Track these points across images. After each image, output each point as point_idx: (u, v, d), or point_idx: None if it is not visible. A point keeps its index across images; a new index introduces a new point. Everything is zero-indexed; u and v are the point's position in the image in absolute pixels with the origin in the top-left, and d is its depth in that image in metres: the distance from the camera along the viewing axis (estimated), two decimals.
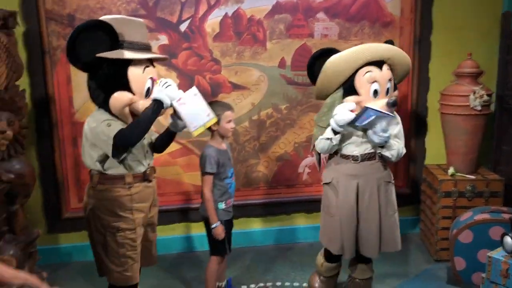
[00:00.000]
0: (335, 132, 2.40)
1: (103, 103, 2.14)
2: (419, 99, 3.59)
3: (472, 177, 3.24)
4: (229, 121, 2.60)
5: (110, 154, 2.07)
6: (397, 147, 2.47)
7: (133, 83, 2.12)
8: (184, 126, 2.27)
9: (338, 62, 2.40)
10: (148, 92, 2.19)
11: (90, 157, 2.16)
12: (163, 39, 3.23)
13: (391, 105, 2.35)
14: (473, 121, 3.18)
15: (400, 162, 3.68)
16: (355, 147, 2.49)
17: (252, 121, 3.44)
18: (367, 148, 2.48)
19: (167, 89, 2.11)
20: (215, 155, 2.57)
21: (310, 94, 3.43)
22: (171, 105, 2.14)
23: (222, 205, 2.64)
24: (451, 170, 3.28)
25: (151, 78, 2.18)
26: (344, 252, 2.59)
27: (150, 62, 2.22)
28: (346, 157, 2.51)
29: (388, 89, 2.42)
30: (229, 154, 2.70)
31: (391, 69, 2.45)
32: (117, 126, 2.08)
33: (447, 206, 3.22)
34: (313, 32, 3.37)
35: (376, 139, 2.36)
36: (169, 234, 3.45)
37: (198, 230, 3.48)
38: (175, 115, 2.23)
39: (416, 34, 3.48)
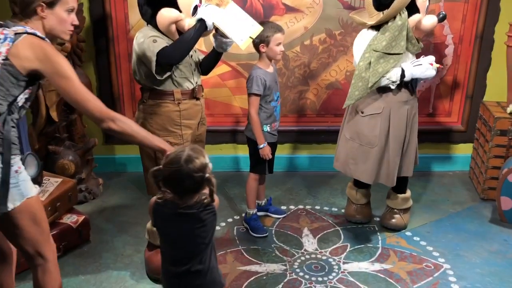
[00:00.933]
0: (402, 78, 2.47)
1: (151, 19, 2.17)
2: (485, 30, 3.33)
3: None
4: (279, 44, 2.57)
5: (153, 70, 2.13)
6: None
7: (180, 0, 2.12)
8: (229, 44, 2.27)
9: None
10: (196, 11, 2.18)
11: (139, 73, 2.23)
12: None
13: (441, 19, 2.53)
14: None
15: (457, 98, 3.53)
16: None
17: (304, 46, 3.37)
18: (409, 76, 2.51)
19: (207, 8, 2.10)
20: (262, 77, 2.58)
21: None
22: (214, 26, 2.14)
23: (267, 128, 2.69)
24: (510, 108, 3.11)
25: None
26: (390, 181, 2.64)
27: None
28: (398, 85, 2.50)
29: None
30: (276, 77, 2.70)
31: None
32: (162, 43, 2.12)
33: (501, 145, 3.11)
34: None
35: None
36: (217, 154, 3.58)
37: (244, 151, 3.58)
38: (218, 33, 2.23)
39: None
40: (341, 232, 2.87)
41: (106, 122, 1.76)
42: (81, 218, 2.70)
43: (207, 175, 1.64)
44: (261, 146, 2.66)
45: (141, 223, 2.80)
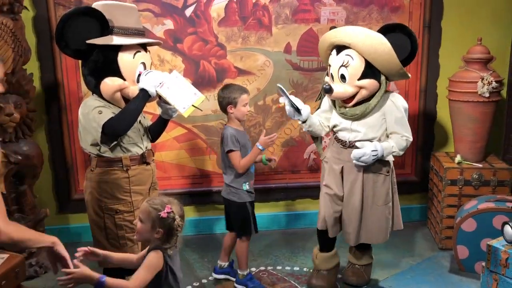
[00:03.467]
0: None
1: (95, 89, 2.17)
2: (428, 86, 3.52)
3: (479, 165, 3.18)
4: (245, 104, 2.65)
5: (99, 141, 2.11)
6: (396, 146, 2.46)
7: (123, 69, 2.14)
8: (174, 111, 2.29)
9: (320, 42, 2.57)
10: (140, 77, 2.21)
11: (85, 142, 2.20)
12: (169, 24, 3.24)
13: (323, 90, 2.46)
14: (481, 108, 3.10)
15: (408, 150, 3.63)
16: (347, 133, 2.52)
17: (258, 106, 3.44)
18: (356, 136, 2.50)
19: (148, 76, 2.13)
20: (234, 134, 2.63)
21: (316, 79, 3.41)
22: (157, 93, 2.16)
23: (246, 186, 2.69)
24: (458, 158, 3.23)
25: (143, 63, 2.20)
26: (328, 231, 2.65)
27: (142, 47, 2.24)
28: (338, 140, 2.59)
29: (343, 75, 2.41)
30: (247, 136, 2.77)
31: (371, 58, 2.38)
32: (108, 114, 2.11)
33: (453, 195, 3.18)
34: (320, 17, 3.34)
35: (362, 164, 2.43)
36: None
37: (203, 213, 3.54)
38: (162, 100, 2.25)
39: (426, 19, 3.40)
40: None
41: None
42: None
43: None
44: (260, 147, 2.60)
45: None
